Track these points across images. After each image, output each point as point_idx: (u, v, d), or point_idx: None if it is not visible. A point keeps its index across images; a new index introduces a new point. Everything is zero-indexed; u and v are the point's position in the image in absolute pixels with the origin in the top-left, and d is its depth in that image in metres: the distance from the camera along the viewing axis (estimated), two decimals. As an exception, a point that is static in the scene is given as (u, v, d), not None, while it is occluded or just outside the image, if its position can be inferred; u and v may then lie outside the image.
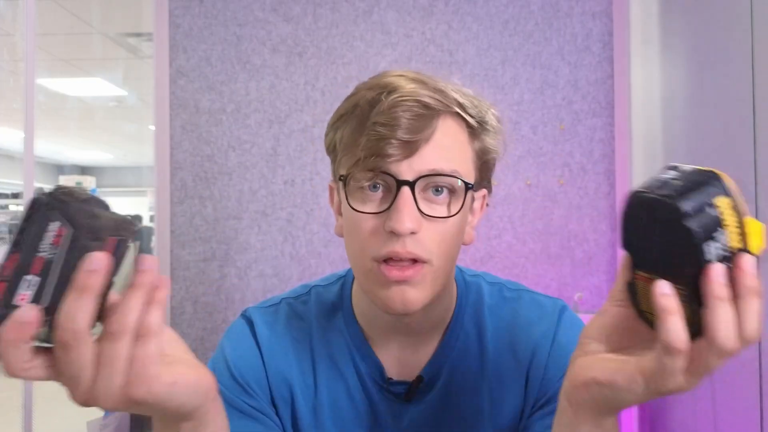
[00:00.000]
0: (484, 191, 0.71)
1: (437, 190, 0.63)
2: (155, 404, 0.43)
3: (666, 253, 0.44)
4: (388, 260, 0.62)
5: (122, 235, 0.42)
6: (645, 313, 0.46)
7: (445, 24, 1.55)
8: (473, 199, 0.68)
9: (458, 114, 0.64)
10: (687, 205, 0.43)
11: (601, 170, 1.50)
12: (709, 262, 0.42)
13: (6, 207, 6.03)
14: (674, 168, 0.47)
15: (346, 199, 0.63)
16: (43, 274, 0.39)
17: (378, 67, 1.56)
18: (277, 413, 0.73)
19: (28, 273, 0.39)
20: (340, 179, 0.64)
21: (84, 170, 9.98)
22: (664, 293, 0.42)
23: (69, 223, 0.40)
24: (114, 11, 3.35)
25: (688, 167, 0.47)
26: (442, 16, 1.55)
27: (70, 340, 0.39)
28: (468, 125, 0.65)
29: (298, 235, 1.56)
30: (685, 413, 1.37)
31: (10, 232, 5.22)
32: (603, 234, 1.49)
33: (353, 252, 0.65)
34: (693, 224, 0.42)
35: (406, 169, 0.61)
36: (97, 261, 0.39)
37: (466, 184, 0.63)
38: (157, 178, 1.57)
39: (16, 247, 0.39)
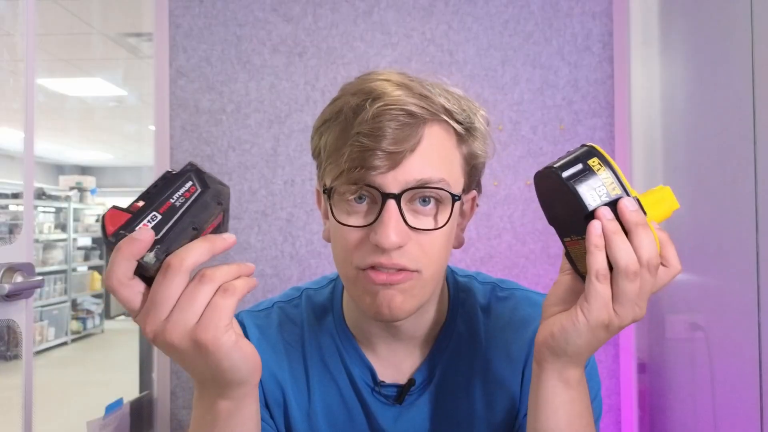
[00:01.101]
0: (473, 193, 0.70)
1: (424, 200, 0.62)
2: (214, 355, 0.47)
3: (568, 213, 0.53)
4: (373, 269, 0.61)
5: (226, 204, 0.52)
6: (582, 275, 0.55)
7: (445, 24, 1.55)
8: (462, 204, 0.67)
9: (445, 121, 0.63)
10: (563, 168, 0.52)
11: (601, 170, 1.50)
12: (594, 208, 0.51)
13: (6, 207, 6.03)
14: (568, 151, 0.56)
15: (331, 210, 0.63)
16: (166, 214, 0.47)
17: (378, 68, 1.56)
18: (271, 416, 0.73)
19: (155, 210, 0.47)
20: (324, 191, 0.63)
21: (84, 170, 9.98)
22: (593, 227, 0.51)
23: (200, 184, 0.50)
24: (114, 11, 3.35)
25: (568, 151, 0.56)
26: (442, 16, 1.55)
27: (175, 267, 0.45)
28: (455, 131, 0.64)
29: (298, 235, 1.56)
30: (685, 413, 1.37)
31: (10, 232, 5.22)
32: (603, 234, 1.49)
33: (338, 260, 0.65)
34: (570, 180, 0.52)
35: (392, 181, 0.59)
36: (231, 239, 0.48)
37: (452, 195, 0.62)
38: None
39: (146, 196, 0.48)
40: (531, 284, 1.50)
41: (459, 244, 0.68)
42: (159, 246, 0.46)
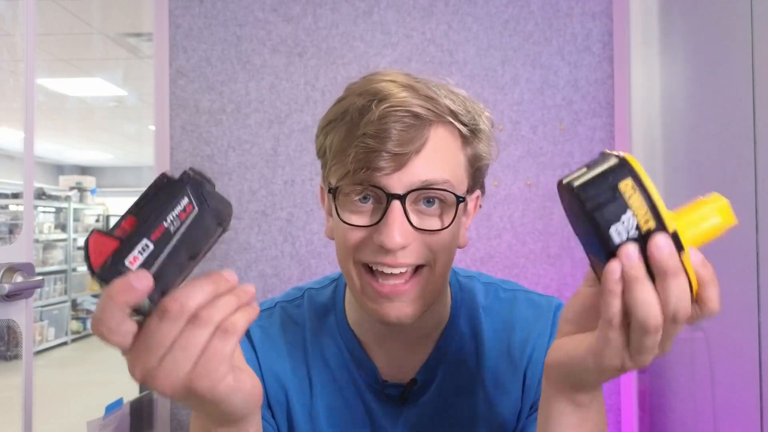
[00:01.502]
0: (477, 193, 0.70)
1: (429, 201, 0.62)
2: (210, 402, 0.43)
3: (590, 237, 0.45)
4: (378, 272, 0.61)
5: (227, 224, 0.45)
6: None
7: (445, 24, 1.55)
8: (466, 205, 0.67)
9: (450, 122, 0.63)
10: (587, 189, 0.43)
11: (601, 170, 1.50)
12: (618, 245, 0.43)
13: (6, 207, 6.03)
14: (601, 155, 0.47)
15: (336, 209, 0.63)
16: (159, 242, 0.40)
17: (378, 68, 1.56)
18: (273, 416, 0.73)
19: (147, 237, 0.40)
20: (329, 191, 0.63)
21: (84, 170, 9.98)
22: (610, 270, 0.43)
23: (198, 201, 0.42)
24: (114, 11, 3.35)
25: (601, 155, 0.46)
26: (442, 16, 1.55)
27: (174, 314, 0.40)
28: (460, 133, 0.64)
29: (298, 235, 1.56)
30: (685, 413, 1.37)
31: (10, 232, 5.21)
32: (603, 234, 1.49)
33: (341, 256, 0.65)
34: (594, 211, 0.43)
35: (397, 182, 0.60)
36: (233, 276, 0.43)
37: (457, 197, 0.62)
38: (157, 178, 1.57)
39: (136, 210, 0.41)
40: (531, 284, 1.50)
41: (464, 243, 0.69)
42: (153, 285, 0.40)
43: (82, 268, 7.17)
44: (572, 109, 1.51)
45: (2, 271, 0.94)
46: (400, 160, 0.59)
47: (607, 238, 0.43)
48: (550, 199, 1.50)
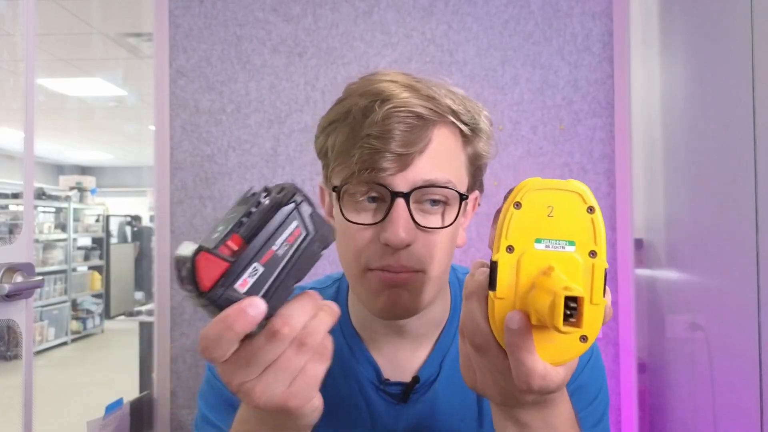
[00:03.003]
0: (476, 193, 0.71)
1: (433, 202, 0.62)
2: (296, 419, 0.45)
3: None
4: (381, 271, 0.62)
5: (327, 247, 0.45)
6: None
7: (445, 24, 1.55)
8: (466, 204, 0.67)
9: (452, 122, 0.64)
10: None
11: (601, 170, 1.50)
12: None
13: (6, 207, 6.03)
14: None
15: (341, 209, 0.63)
16: (269, 266, 0.41)
17: (378, 68, 1.56)
18: None
19: (257, 261, 0.40)
20: (333, 190, 0.64)
21: (84, 170, 9.98)
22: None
23: (305, 226, 0.43)
24: (114, 11, 3.35)
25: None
26: (442, 16, 1.55)
27: (284, 336, 0.41)
28: (461, 132, 0.65)
29: (298, 235, 1.56)
30: (685, 413, 1.37)
31: (10, 232, 5.21)
32: (603, 234, 1.49)
33: (346, 259, 0.65)
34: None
35: (401, 181, 0.60)
36: (335, 310, 0.46)
37: (460, 194, 0.63)
38: (157, 178, 1.57)
39: (241, 230, 0.40)
40: (531, 284, 1.50)
41: (462, 242, 0.69)
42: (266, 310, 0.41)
43: (82, 268, 7.17)
44: (572, 109, 1.51)
45: (2, 271, 0.94)
46: (404, 161, 0.60)
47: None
48: (550, 199, 1.50)
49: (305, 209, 0.43)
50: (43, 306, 6.08)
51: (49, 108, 5.89)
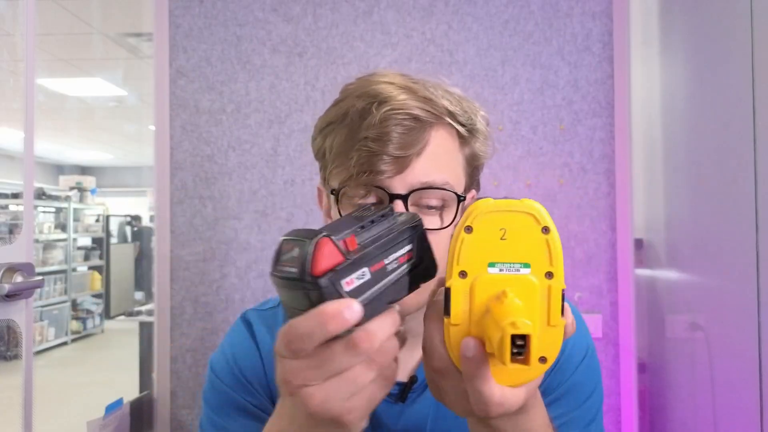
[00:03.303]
0: (473, 192, 0.71)
1: (429, 207, 0.63)
2: (339, 429, 0.44)
3: None
4: None
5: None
6: None
7: (445, 24, 1.55)
8: (464, 206, 0.68)
9: (449, 123, 0.64)
10: None
11: (601, 170, 1.50)
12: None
13: (6, 207, 6.03)
14: None
15: (339, 211, 0.63)
16: (376, 277, 0.41)
17: (378, 68, 1.56)
18: None
19: (368, 266, 0.41)
20: (332, 192, 0.64)
21: (84, 170, 9.98)
22: None
23: (417, 253, 0.44)
24: (114, 11, 3.35)
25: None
26: (442, 16, 1.55)
27: (363, 351, 0.41)
28: (458, 133, 0.65)
29: (298, 235, 1.56)
30: (685, 413, 1.37)
31: (10, 232, 5.21)
32: (603, 234, 1.49)
33: None
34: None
35: (399, 183, 0.60)
36: (405, 337, 0.46)
37: (458, 196, 0.63)
38: (157, 178, 1.57)
39: (360, 231, 0.42)
40: (531, 284, 1.50)
41: None
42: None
43: (82, 268, 7.17)
44: (572, 109, 1.51)
45: (2, 271, 0.94)
46: (402, 163, 0.60)
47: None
48: (550, 199, 1.50)
49: (422, 240, 0.45)
50: (43, 306, 6.08)
51: (49, 108, 5.89)
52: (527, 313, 0.38)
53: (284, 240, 0.42)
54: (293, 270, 0.40)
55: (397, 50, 1.55)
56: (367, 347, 0.41)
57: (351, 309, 0.39)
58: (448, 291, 0.42)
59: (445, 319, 0.42)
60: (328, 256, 0.39)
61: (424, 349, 0.46)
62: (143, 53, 3.81)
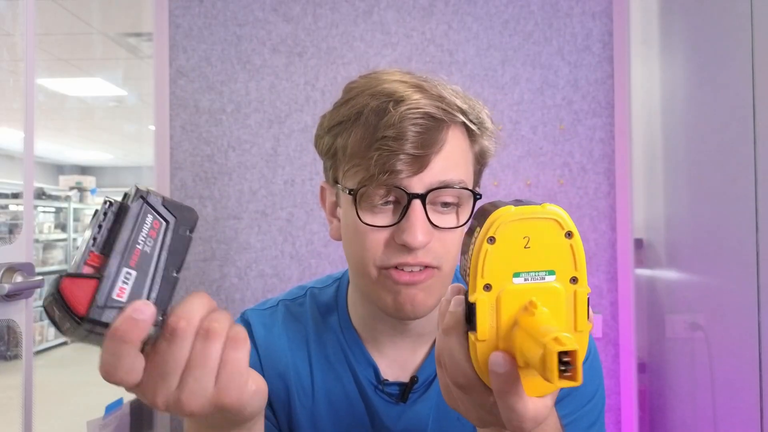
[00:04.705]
0: (477, 188, 0.72)
1: (445, 204, 0.63)
2: (238, 412, 0.43)
3: None
4: (396, 268, 0.63)
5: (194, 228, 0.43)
6: None
7: (445, 24, 1.55)
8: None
9: (461, 122, 0.65)
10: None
11: (601, 170, 1.50)
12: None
13: (6, 207, 6.03)
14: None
15: (357, 212, 0.63)
16: (140, 266, 0.39)
17: (377, 67, 1.56)
18: (274, 414, 0.73)
19: (125, 265, 0.38)
20: (349, 193, 0.64)
21: (84, 170, 9.98)
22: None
23: (163, 215, 0.40)
24: (114, 11, 3.35)
25: (528, 199, 0.43)
26: (442, 16, 1.55)
27: (183, 331, 0.39)
28: (469, 131, 0.66)
29: (298, 235, 1.56)
30: (685, 413, 1.37)
31: (10, 232, 5.21)
32: (603, 234, 1.49)
33: (358, 260, 0.65)
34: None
35: (417, 183, 0.61)
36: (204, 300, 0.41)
37: (474, 194, 0.64)
38: (157, 178, 1.57)
39: (96, 245, 0.38)
40: (531, 284, 1.50)
41: None
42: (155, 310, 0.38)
43: (82, 268, 7.16)
44: (572, 109, 1.51)
45: (2, 271, 0.94)
46: (421, 162, 0.60)
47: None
48: (550, 199, 1.50)
49: (154, 200, 0.41)
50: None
51: (49, 108, 5.89)
52: (556, 323, 0.38)
53: (44, 308, 0.39)
54: (68, 325, 0.37)
55: (397, 50, 1.55)
56: (184, 325, 0.39)
57: (137, 309, 0.37)
58: (473, 306, 0.40)
59: (471, 335, 0.41)
60: (79, 291, 0.37)
61: (441, 363, 0.45)
62: (143, 53, 3.81)
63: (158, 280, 0.39)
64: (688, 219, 1.37)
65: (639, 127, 1.53)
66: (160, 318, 0.39)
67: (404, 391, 0.70)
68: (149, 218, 0.40)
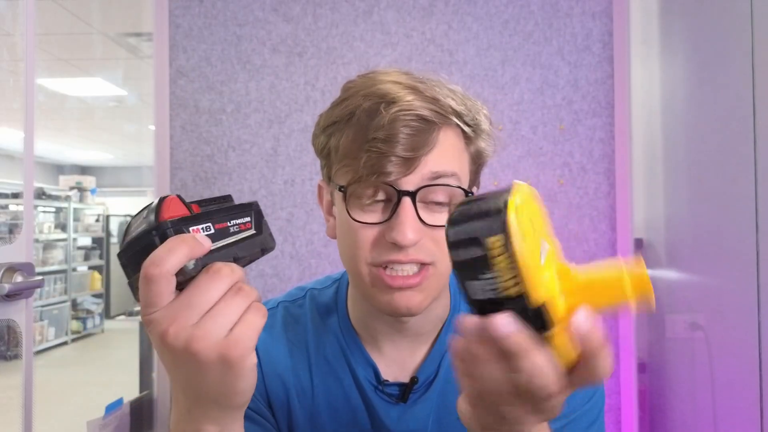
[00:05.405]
0: (475, 189, 0.72)
1: (437, 203, 0.63)
2: (235, 374, 0.45)
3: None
4: (388, 266, 0.62)
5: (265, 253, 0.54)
6: None
7: (445, 24, 1.55)
8: None
9: (456, 124, 0.64)
10: (455, 240, 0.39)
11: (601, 170, 1.50)
12: (476, 301, 0.39)
13: (6, 207, 6.03)
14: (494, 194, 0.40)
15: (346, 209, 0.64)
16: (219, 233, 0.47)
17: (377, 67, 1.56)
18: (273, 416, 0.73)
19: (212, 223, 0.47)
20: (340, 190, 0.64)
21: (84, 170, 9.98)
22: (452, 347, 0.43)
23: (256, 226, 0.51)
24: (114, 11, 3.35)
25: (493, 192, 0.41)
26: (442, 16, 1.55)
27: (224, 274, 0.44)
28: (464, 133, 0.66)
29: (298, 235, 1.56)
30: (685, 413, 1.37)
31: (10, 232, 5.21)
32: (603, 234, 1.49)
33: (350, 258, 0.66)
34: (457, 262, 0.39)
35: (407, 180, 0.61)
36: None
37: (465, 191, 0.63)
38: (157, 178, 1.57)
39: (202, 203, 0.48)
40: (531, 284, 1.50)
41: None
42: (201, 260, 0.44)
43: (82, 268, 7.17)
44: (572, 109, 1.51)
45: (2, 271, 0.94)
46: (410, 164, 0.60)
47: (464, 290, 0.40)
48: (550, 199, 1.50)
49: (258, 211, 0.51)
50: (43, 306, 6.08)
51: (49, 108, 5.89)
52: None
53: (141, 211, 0.47)
54: (142, 227, 0.44)
55: (397, 50, 1.55)
56: (228, 272, 0.44)
57: (202, 237, 0.44)
58: (541, 308, 0.38)
59: (547, 335, 0.39)
60: (172, 208, 0.45)
61: (526, 392, 0.40)
62: (143, 53, 3.81)
63: (221, 249, 0.46)
64: (688, 219, 1.37)
65: (639, 127, 1.53)
66: (201, 264, 0.44)
67: (404, 391, 0.70)
68: (246, 218, 0.50)
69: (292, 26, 1.58)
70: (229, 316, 0.43)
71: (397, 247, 0.60)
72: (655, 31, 1.58)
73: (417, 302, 0.63)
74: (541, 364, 0.39)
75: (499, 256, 0.37)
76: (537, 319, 0.38)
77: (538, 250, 0.39)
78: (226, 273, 0.44)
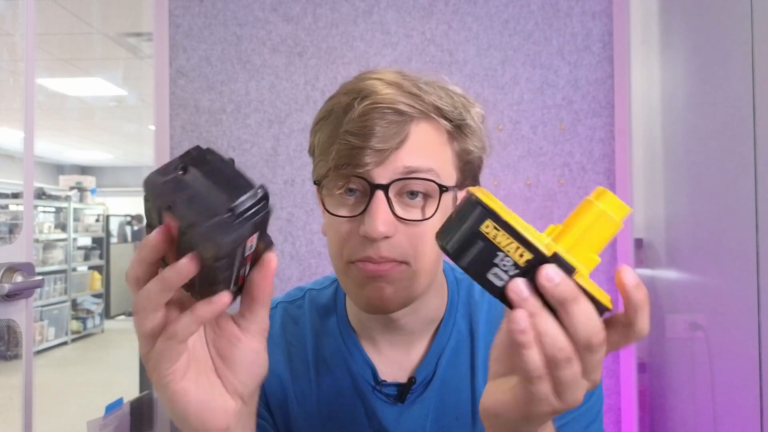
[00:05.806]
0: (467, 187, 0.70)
1: (412, 194, 0.62)
2: (165, 399, 0.46)
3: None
4: (362, 260, 0.62)
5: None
6: None
7: (445, 24, 1.55)
8: (456, 200, 0.67)
9: (434, 118, 0.63)
10: (456, 250, 0.42)
11: (601, 170, 1.50)
12: (502, 289, 0.41)
13: (6, 207, 6.03)
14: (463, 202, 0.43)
15: (322, 202, 0.64)
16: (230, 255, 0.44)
17: (378, 67, 1.56)
18: (272, 416, 0.73)
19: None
20: (315, 183, 0.65)
21: (84, 170, 9.99)
22: (513, 320, 0.40)
23: (265, 242, 0.49)
24: (114, 11, 3.35)
25: (459, 202, 0.44)
26: (442, 16, 1.55)
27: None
28: (445, 128, 0.65)
29: (298, 235, 1.56)
30: (685, 413, 1.37)
31: (10, 231, 5.21)
32: (603, 234, 1.49)
33: (332, 252, 0.66)
34: (468, 265, 0.41)
35: (380, 173, 0.60)
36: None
37: (440, 186, 0.62)
38: (157, 178, 1.57)
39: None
40: (531, 284, 1.50)
41: None
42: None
43: (82, 268, 7.17)
44: (572, 108, 1.51)
45: (2, 271, 0.94)
46: (382, 156, 0.60)
47: (491, 286, 0.41)
48: (551, 199, 1.50)
49: (265, 224, 0.48)
50: (43, 306, 6.08)
51: (49, 108, 5.89)
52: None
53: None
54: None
55: (397, 50, 1.55)
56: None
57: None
58: (557, 254, 0.40)
59: (577, 278, 0.40)
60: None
61: (583, 340, 0.40)
62: (143, 53, 3.81)
63: (229, 271, 0.46)
64: (688, 219, 1.37)
65: (639, 127, 1.53)
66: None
67: (402, 391, 0.70)
68: (253, 236, 0.46)
69: (292, 26, 1.58)
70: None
71: (369, 241, 0.60)
72: (655, 31, 1.58)
73: (389, 295, 0.62)
74: (589, 308, 0.40)
75: (497, 236, 0.41)
76: (561, 267, 0.41)
77: (522, 220, 0.42)
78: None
